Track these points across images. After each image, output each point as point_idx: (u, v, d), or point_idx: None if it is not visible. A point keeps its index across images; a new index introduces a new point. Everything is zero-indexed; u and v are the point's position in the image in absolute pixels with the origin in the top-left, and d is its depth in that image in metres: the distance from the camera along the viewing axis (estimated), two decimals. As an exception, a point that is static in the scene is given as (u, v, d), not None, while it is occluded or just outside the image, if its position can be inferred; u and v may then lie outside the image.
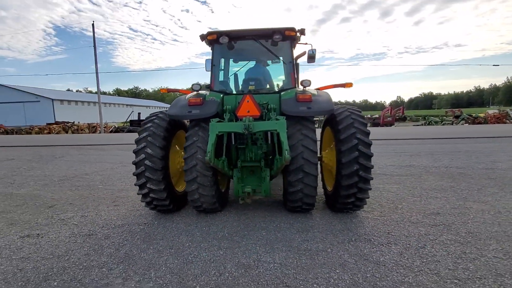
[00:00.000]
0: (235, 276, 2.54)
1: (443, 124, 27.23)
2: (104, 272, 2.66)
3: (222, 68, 4.49)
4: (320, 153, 4.51)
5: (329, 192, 4.17)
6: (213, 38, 4.11)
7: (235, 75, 4.65)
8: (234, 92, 4.43)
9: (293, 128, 3.61)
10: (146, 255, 2.98)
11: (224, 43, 4.08)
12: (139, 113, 30.69)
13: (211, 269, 2.66)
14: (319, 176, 4.95)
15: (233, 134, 3.88)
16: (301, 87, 3.98)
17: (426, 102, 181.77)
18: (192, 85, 3.86)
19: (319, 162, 4.43)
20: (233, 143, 3.97)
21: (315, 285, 2.38)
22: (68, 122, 33.09)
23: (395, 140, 12.94)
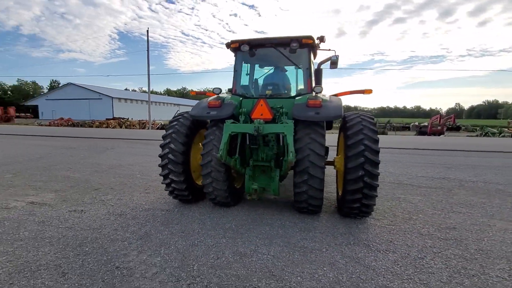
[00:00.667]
0: (230, 261, 2.85)
1: (502, 136, 24.00)
2: (125, 245, 3.17)
3: (244, 73, 4.82)
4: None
5: (339, 197, 4.23)
6: (235, 46, 4.48)
7: (256, 80, 4.95)
8: (253, 96, 4.72)
9: (303, 131, 3.79)
10: (161, 235, 3.44)
11: (245, 51, 4.42)
12: (183, 112, 32.83)
13: (211, 253, 3.00)
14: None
15: (247, 135, 4.18)
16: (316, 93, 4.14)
17: (490, 111, 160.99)
18: (213, 88, 4.28)
19: (333, 167, 4.52)
20: (247, 143, 4.26)
21: (298, 278, 2.56)
22: (123, 118, 36.77)
23: (437, 150, 11.98)
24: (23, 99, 71.48)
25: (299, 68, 4.70)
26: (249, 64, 4.95)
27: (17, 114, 52.86)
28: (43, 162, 8.49)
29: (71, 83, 55.14)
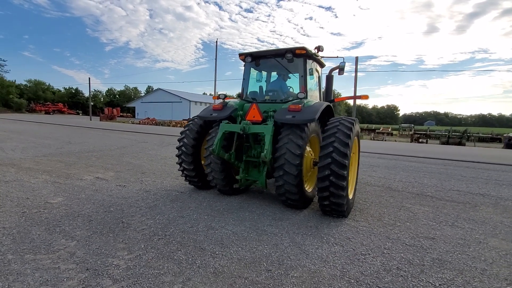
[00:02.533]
0: (198, 230, 3.62)
1: None
2: (136, 210, 4.28)
3: (251, 80, 5.49)
4: None
5: None
6: (242, 58, 5.23)
7: (260, 87, 5.56)
8: (255, 101, 5.34)
9: (284, 133, 4.27)
10: (164, 207, 4.45)
11: (248, 62, 5.13)
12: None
13: (189, 223, 3.82)
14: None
15: (244, 134, 4.85)
16: (311, 99, 4.57)
17: None
18: (219, 94, 5.12)
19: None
20: (245, 142, 4.93)
21: (239, 248, 3.15)
22: (195, 119, 41.27)
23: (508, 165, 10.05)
24: (126, 101, 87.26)
25: (296, 75, 5.13)
26: (257, 72, 5.62)
27: (121, 114, 65.09)
28: (120, 151, 10.87)
29: (160, 89, 64.71)
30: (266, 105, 4.88)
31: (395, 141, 25.31)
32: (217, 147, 4.45)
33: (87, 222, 3.78)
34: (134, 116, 67.50)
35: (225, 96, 5.15)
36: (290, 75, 5.36)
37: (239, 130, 4.38)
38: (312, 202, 4.82)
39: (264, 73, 5.82)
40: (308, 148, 4.54)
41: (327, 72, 5.80)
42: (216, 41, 28.39)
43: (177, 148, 5.31)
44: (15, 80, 74.84)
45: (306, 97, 4.79)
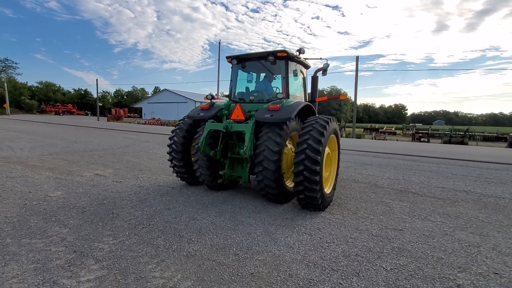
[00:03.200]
0: (180, 221, 3.92)
1: None
2: (127, 203, 4.62)
3: (238, 82, 5.78)
4: None
5: None
6: (229, 61, 5.52)
7: (246, 88, 5.83)
8: (243, 101, 5.63)
9: (264, 131, 4.54)
10: (153, 200, 4.77)
11: (234, 64, 5.42)
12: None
13: (173, 215, 4.13)
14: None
15: (228, 132, 5.13)
16: (295, 99, 4.86)
17: None
18: (207, 95, 5.43)
19: None
20: (230, 140, 5.22)
21: (214, 236, 3.44)
22: (200, 119, 41.76)
23: (503, 164, 10.06)
24: (134, 102, 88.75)
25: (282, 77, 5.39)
26: (247, 74, 5.90)
27: (128, 114, 66.22)
28: (122, 150, 11.30)
29: (166, 89, 65.62)
30: (251, 105, 5.16)
31: (397, 140, 25.22)
32: (203, 144, 4.75)
33: (80, 212, 4.13)
34: (141, 117, 68.59)
35: (213, 97, 5.45)
36: (275, 76, 5.63)
37: (223, 128, 4.68)
38: (294, 197, 5.07)
39: (254, 75, 6.10)
40: (289, 146, 4.79)
41: (313, 73, 6.04)
42: (219, 42, 28.90)
43: (168, 146, 5.64)
44: (27, 82, 77.00)
45: (287, 98, 5.05)
